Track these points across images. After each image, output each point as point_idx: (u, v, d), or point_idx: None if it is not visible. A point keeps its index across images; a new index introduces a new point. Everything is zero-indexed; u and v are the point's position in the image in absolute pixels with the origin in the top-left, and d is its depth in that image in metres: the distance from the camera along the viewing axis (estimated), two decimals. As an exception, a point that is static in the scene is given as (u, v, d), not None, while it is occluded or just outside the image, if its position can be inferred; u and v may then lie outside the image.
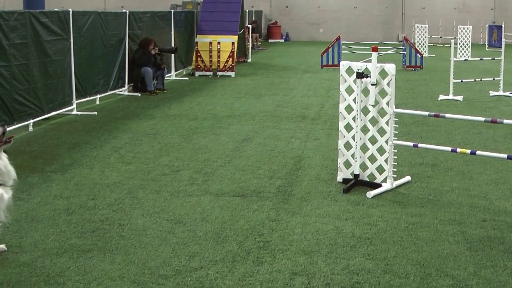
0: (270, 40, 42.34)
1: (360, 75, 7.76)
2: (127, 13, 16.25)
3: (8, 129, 5.60)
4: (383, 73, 7.71)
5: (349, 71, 7.97)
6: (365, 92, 7.85)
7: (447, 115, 7.93)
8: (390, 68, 7.64)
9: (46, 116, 12.22)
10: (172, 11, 20.88)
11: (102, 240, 6.14)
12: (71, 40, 13.05)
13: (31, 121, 11.58)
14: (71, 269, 5.48)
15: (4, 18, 10.56)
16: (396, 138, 7.90)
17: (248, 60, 26.41)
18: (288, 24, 43.75)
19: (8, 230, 6.30)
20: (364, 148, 8.04)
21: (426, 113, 8.24)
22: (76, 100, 13.43)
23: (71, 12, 13.01)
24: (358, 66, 7.83)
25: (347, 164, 8.15)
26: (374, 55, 7.82)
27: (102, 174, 8.53)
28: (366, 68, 7.79)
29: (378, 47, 8.08)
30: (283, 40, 42.89)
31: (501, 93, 16.01)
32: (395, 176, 7.93)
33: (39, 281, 5.25)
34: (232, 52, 20.67)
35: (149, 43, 16.66)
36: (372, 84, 7.69)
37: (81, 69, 13.69)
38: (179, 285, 5.20)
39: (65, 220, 6.70)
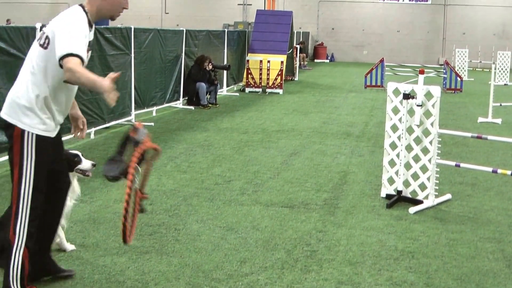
0: (316, 60, 42.43)
1: (407, 96, 7.72)
2: (184, 31, 16.42)
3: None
4: (428, 95, 7.66)
5: (396, 92, 7.93)
6: (410, 112, 7.81)
7: (489, 137, 7.84)
8: (436, 90, 7.59)
9: (107, 125, 12.41)
10: (226, 30, 21.05)
11: (159, 243, 6.20)
12: (132, 55, 13.22)
13: (93, 129, 11.77)
14: (131, 269, 5.55)
15: (72, 33, 10.73)
16: (439, 157, 7.84)
17: (295, 79, 26.45)
18: (333, 46, 43.78)
19: (72, 230, 6.41)
20: (407, 166, 7.98)
21: (469, 134, 8.14)
22: (134, 111, 13.61)
23: (133, 29, 13.20)
24: (405, 87, 7.80)
25: (391, 181, 8.10)
26: (421, 77, 7.78)
27: (159, 181, 8.62)
28: (413, 89, 7.75)
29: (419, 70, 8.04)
30: (328, 61, 42.90)
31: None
32: (437, 193, 7.85)
33: (101, 278, 5.33)
34: (281, 70, 20.73)
35: (205, 60, 16.84)
36: (418, 105, 7.64)
37: (140, 82, 13.87)
38: (231, 288, 5.23)
39: (124, 223, 6.78)
